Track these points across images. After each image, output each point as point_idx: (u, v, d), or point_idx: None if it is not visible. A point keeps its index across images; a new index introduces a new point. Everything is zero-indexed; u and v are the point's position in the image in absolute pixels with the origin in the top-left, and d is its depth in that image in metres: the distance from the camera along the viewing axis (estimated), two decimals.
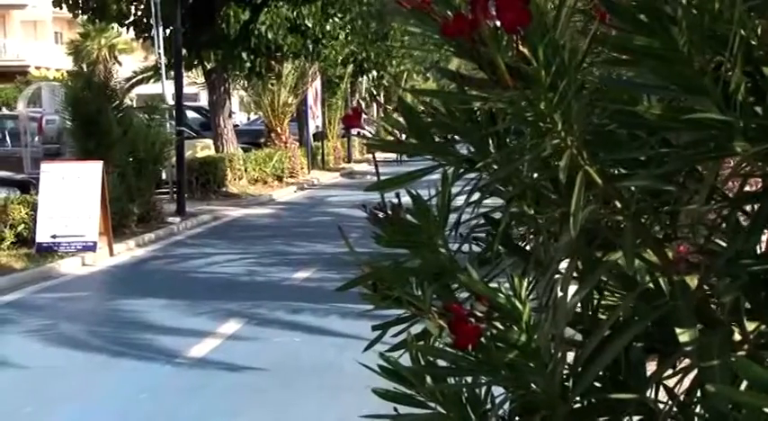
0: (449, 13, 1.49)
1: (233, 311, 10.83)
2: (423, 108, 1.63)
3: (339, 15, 27.15)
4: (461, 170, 1.62)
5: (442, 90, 1.67)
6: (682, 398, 1.60)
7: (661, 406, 1.61)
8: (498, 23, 1.39)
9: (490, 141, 1.60)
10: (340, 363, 8.18)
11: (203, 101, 35.37)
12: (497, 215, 1.78)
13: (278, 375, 8.19)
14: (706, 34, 1.41)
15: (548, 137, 1.44)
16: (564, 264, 1.57)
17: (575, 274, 1.61)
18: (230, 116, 27.82)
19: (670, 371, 1.60)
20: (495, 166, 1.62)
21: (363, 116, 1.77)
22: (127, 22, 25.33)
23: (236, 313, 10.74)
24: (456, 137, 1.66)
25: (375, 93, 42.11)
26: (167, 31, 24.29)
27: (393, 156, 1.68)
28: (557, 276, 1.58)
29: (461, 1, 1.48)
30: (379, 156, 1.85)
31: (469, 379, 1.56)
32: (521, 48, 1.40)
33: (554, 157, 1.47)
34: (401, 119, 1.60)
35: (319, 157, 35.30)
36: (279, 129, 31.39)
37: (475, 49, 1.40)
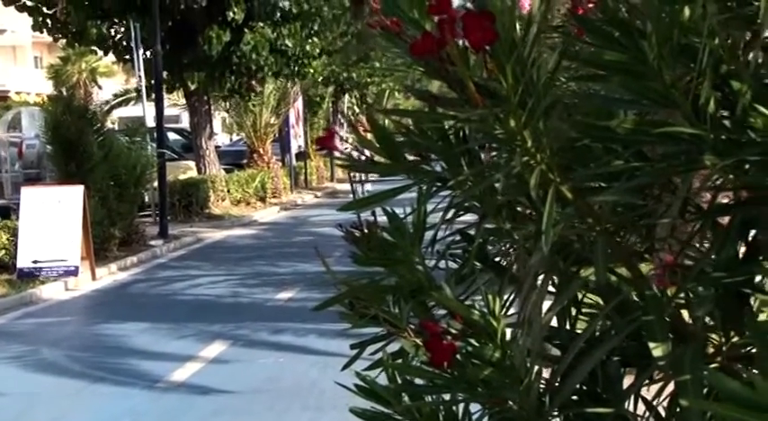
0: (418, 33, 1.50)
1: (216, 333, 10.80)
2: (395, 127, 1.63)
3: (320, 36, 27.26)
4: (434, 188, 1.63)
5: (413, 109, 1.68)
6: (661, 410, 1.60)
7: (640, 419, 1.62)
8: (466, 42, 1.40)
9: (462, 159, 1.60)
10: (323, 383, 8.15)
11: (185, 122, 35.37)
12: (474, 231, 1.78)
13: (261, 397, 8.16)
14: (676, 48, 1.42)
15: (518, 154, 1.44)
16: (540, 280, 1.57)
17: (552, 289, 1.61)
18: (212, 137, 27.80)
19: (650, 384, 1.61)
20: (469, 183, 1.63)
21: (341, 136, 1.77)
22: (106, 45, 25.32)
23: (220, 335, 10.70)
24: (430, 155, 1.66)
25: (357, 111, 42.23)
26: (148, 53, 24.31)
27: (373, 175, 1.69)
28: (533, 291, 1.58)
29: (430, 21, 1.48)
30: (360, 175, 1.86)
31: (447, 396, 1.56)
32: (489, 66, 1.41)
33: (526, 174, 1.48)
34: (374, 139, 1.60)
35: (302, 177, 35.31)
36: (261, 150, 31.45)
37: (443, 67, 1.40)
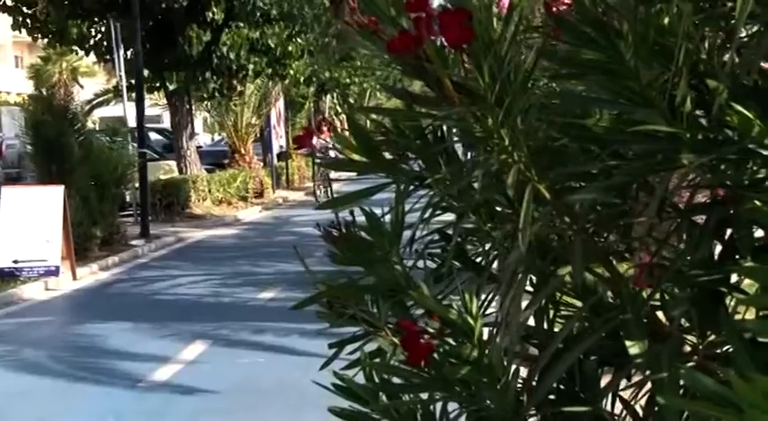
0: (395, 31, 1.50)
1: (198, 333, 10.76)
2: (373, 126, 1.63)
3: (301, 36, 27.25)
4: (412, 187, 1.62)
5: (391, 108, 1.67)
6: (639, 409, 1.61)
7: (617, 418, 1.62)
8: (443, 40, 1.40)
9: (440, 158, 1.60)
10: (304, 383, 8.11)
11: (167, 122, 35.28)
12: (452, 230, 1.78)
13: (242, 397, 8.14)
14: (653, 47, 1.42)
15: (495, 152, 1.44)
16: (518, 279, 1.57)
17: (530, 288, 1.61)
18: (193, 137, 27.71)
19: (628, 387, 1.61)
20: (447, 182, 1.63)
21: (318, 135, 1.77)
22: (87, 45, 25.21)
23: (202, 335, 10.67)
24: (408, 154, 1.66)
25: (339, 111, 42.21)
26: (128, 53, 24.22)
27: (352, 174, 1.69)
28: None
29: (407, 19, 1.48)
30: (341, 174, 1.85)
31: (424, 395, 1.56)
32: (466, 64, 1.41)
33: (503, 172, 1.47)
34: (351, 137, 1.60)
35: (284, 177, 35.25)
36: (243, 150, 31.41)
37: (420, 66, 1.40)
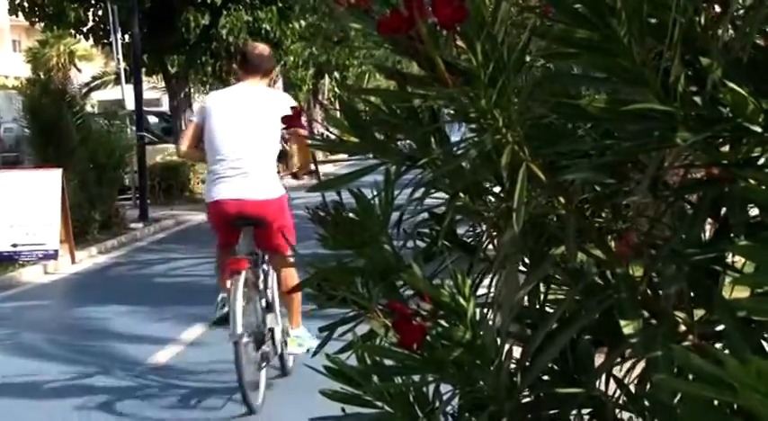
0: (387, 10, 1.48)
1: (197, 316, 10.74)
2: (364, 106, 1.62)
3: (298, 19, 27.15)
4: (403, 168, 1.61)
5: (382, 88, 1.66)
6: (633, 388, 1.60)
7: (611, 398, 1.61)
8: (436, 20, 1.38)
9: (432, 138, 1.59)
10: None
11: (166, 106, 35.17)
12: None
13: None
14: (646, 23, 1.41)
15: (489, 133, 1.43)
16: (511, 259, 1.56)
17: (523, 268, 1.60)
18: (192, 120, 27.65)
19: (623, 363, 1.60)
20: (439, 163, 1.61)
21: (309, 117, 1.75)
22: (85, 28, 25.14)
23: (201, 318, 10.64)
24: (399, 134, 1.65)
25: (337, 93, 42.17)
26: (126, 36, 24.14)
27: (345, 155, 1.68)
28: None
29: None
30: (329, 155, 1.83)
31: (417, 377, 1.55)
32: (459, 44, 1.39)
33: (496, 152, 1.46)
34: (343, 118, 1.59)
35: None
36: None
37: (412, 46, 1.39)
